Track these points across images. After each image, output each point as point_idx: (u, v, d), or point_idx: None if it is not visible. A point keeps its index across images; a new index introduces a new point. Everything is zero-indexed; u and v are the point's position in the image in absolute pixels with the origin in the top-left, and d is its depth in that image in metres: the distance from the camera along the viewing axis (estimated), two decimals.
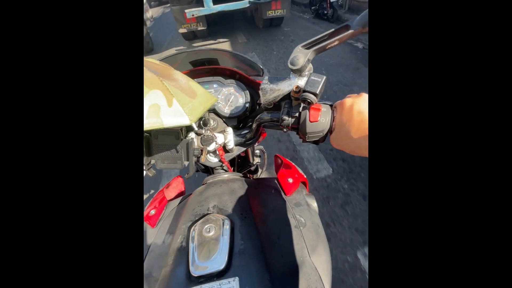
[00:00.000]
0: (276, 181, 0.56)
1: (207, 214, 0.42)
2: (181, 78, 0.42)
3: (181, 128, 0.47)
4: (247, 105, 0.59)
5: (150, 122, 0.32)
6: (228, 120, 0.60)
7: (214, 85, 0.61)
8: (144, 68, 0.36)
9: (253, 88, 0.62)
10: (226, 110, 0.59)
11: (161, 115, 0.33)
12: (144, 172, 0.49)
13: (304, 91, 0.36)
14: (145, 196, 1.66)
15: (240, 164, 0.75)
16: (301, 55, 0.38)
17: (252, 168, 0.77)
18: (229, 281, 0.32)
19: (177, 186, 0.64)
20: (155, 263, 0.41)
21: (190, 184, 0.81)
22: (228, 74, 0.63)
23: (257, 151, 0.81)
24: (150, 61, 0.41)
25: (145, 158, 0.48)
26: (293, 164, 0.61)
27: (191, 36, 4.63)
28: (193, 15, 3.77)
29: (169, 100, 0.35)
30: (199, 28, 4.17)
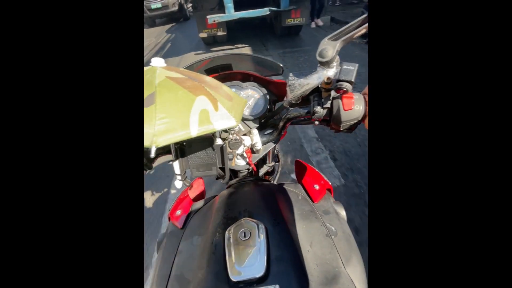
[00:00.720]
0: (301, 187, 0.55)
1: (240, 218, 0.42)
2: (216, 83, 0.43)
3: (213, 134, 0.47)
4: (267, 105, 0.60)
5: (203, 127, 0.33)
6: (249, 122, 0.60)
7: (233, 90, 0.62)
8: (183, 76, 0.37)
9: (267, 88, 0.63)
10: (247, 112, 0.60)
11: (212, 120, 0.34)
12: (181, 183, 0.50)
13: (338, 80, 0.37)
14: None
15: (259, 166, 0.76)
16: (330, 47, 0.38)
17: (270, 170, 0.77)
18: None
19: (198, 188, 0.65)
20: (186, 264, 0.41)
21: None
22: (240, 77, 0.64)
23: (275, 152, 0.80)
24: (185, 70, 0.42)
25: (181, 169, 0.48)
26: (316, 170, 0.60)
27: (211, 41, 4.78)
28: (214, 21, 3.90)
29: (214, 105, 0.36)
30: (219, 34, 4.30)
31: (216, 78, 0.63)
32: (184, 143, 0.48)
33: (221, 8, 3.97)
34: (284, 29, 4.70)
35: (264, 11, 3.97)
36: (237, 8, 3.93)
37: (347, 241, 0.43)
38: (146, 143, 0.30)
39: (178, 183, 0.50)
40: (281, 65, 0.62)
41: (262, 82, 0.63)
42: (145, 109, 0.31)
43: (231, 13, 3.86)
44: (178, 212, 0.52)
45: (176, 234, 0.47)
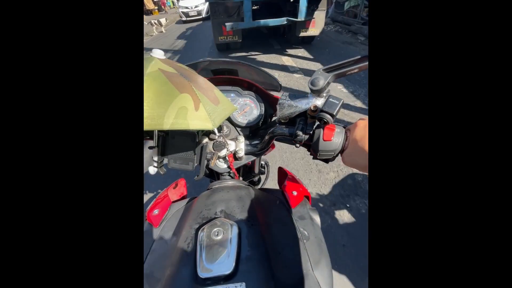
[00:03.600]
0: (281, 193, 0.56)
1: (215, 218, 0.43)
2: (207, 85, 0.44)
3: (197, 131, 0.48)
4: (261, 117, 0.62)
5: (177, 122, 0.35)
6: (241, 129, 0.62)
7: (232, 95, 0.64)
8: (176, 72, 0.38)
9: (267, 101, 0.64)
10: (240, 120, 0.62)
11: (188, 118, 0.36)
12: (156, 169, 0.50)
13: (322, 111, 0.38)
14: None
15: (244, 173, 0.77)
16: (322, 78, 0.39)
17: (255, 179, 0.78)
18: (235, 286, 0.33)
19: (179, 188, 0.64)
20: (157, 263, 0.41)
21: (191, 187, 0.75)
22: (246, 86, 0.66)
23: (262, 163, 0.81)
24: (180, 66, 0.43)
25: (159, 156, 0.49)
26: (296, 177, 0.62)
27: (225, 48, 4.81)
28: (232, 28, 3.93)
29: (196, 105, 0.37)
30: (235, 40, 4.34)
31: (220, 79, 0.65)
32: (168, 134, 0.49)
33: (238, 16, 4.02)
34: (298, 39, 4.78)
35: (281, 20, 4.03)
36: (254, 16, 3.99)
37: (318, 246, 0.45)
38: None
39: (152, 169, 0.50)
40: (280, 83, 0.64)
41: (262, 94, 0.65)
42: None
43: (249, 22, 3.91)
44: (156, 211, 0.51)
45: (151, 233, 0.47)
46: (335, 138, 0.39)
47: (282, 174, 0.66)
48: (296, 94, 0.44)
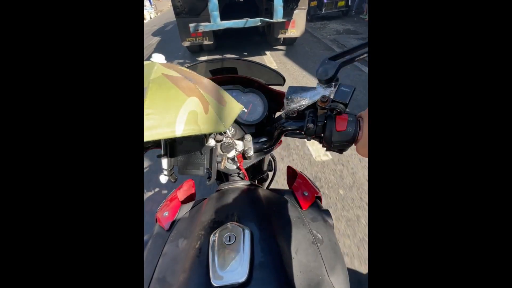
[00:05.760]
0: (291, 193, 0.54)
1: (226, 222, 0.41)
2: (212, 86, 0.42)
3: (205, 134, 0.46)
4: (265, 113, 0.60)
5: (189, 128, 0.33)
6: (246, 127, 0.60)
7: (233, 94, 0.61)
8: (180, 75, 0.37)
9: (270, 97, 0.62)
10: (245, 117, 0.60)
11: (199, 122, 0.34)
12: (166, 178, 0.49)
13: (333, 100, 0.37)
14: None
15: (253, 171, 0.74)
16: (330, 66, 0.39)
17: (264, 176, 0.78)
18: None
19: (188, 189, 0.64)
20: (169, 267, 0.40)
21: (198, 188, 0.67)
22: (246, 83, 0.64)
23: (269, 159, 0.81)
24: (184, 69, 0.41)
25: (168, 164, 0.49)
26: (306, 177, 0.60)
27: (197, 50, 4.34)
28: (197, 30, 3.46)
29: (205, 107, 0.36)
30: (205, 43, 3.87)
31: (220, 79, 0.62)
32: (175, 140, 0.49)
33: (207, 15, 3.54)
34: (278, 40, 4.30)
35: (255, 21, 3.54)
36: (226, 16, 3.50)
37: (333, 249, 0.43)
38: None
39: (163, 178, 0.49)
40: (283, 76, 0.64)
41: (264, 90, 0.63)
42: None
43: (216, 22, 3.42)
44: (165, 213, 0.50)
45: (162, 236, 0.46)
46: (349, 128, 0.38)
47: (292, 174, 0.65)
48: (302, 87, 0.44)
